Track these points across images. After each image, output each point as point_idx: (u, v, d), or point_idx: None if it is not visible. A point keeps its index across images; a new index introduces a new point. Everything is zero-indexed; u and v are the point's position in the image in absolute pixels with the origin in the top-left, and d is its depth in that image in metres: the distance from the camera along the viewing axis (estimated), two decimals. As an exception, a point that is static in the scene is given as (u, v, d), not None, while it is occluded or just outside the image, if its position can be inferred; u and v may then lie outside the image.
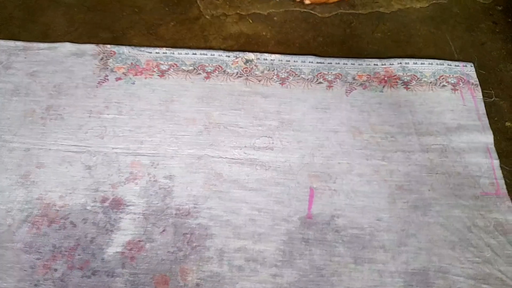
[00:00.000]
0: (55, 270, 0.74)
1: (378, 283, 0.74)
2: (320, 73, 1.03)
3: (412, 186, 0.86)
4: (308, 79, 1.02)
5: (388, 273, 0.75)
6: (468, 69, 1.06)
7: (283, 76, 1.02)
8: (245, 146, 0.90)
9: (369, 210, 0.82)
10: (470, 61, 1.09)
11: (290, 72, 1.03)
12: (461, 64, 1.07)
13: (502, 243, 0.79)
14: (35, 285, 0.73)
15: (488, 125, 0.96)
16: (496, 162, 0.91)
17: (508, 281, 0.75)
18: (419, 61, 1.07)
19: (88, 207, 0.81)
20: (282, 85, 1.01)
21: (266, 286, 0.74)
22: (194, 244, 0.78)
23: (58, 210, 0.81)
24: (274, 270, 0.75)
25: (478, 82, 1.04)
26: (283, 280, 0.74)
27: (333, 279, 0.75)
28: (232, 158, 0.88)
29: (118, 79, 1.00)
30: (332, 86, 1.01)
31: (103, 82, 1.00)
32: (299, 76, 1.02)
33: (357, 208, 0.83)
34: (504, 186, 0.88)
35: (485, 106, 1.01)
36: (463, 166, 0.89)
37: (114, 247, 0.77)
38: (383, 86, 1.02)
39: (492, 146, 0.93)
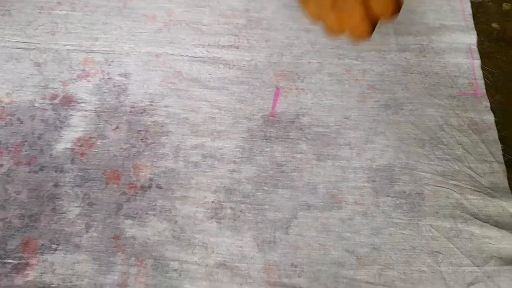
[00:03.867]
0: (1, 165, 0.70)
1: (340, 178, 0.71)
2: (294, -30, 0.94)
3: (385, 85, 0.81)
4: (280, -24, 0.93)
5: (352, 169, 0.72)
6: (457, -32, 0.97)
7: (253, -27, 0.93)
8: (208, 44, 0.84)
9: (336, 109, 0.77)
10: (460, -41, 0.98)
11: (262, -32, 0.93)
12: (449, -39, 0.97)
13: (475, 141, 0.75)
14: (-20, 179, 0.69)
15: (473, 26, 0.89)
16: (477, 63, 0.85)
17: (477, 177, 0.72)
18: (404, -43, 0.97)
19: (37, 104, 0.76)
20: (251, -18, 0.92)
21: (223, 181, 0.70)
22: (149, 141, 0.73)
23: (4, 107, 0.75)
24: (232, 166, 0.71)
25: (466, -19, 0.95)
26: (241, 176, 0.71)
27: (294, 174, 0.71)
28: (194, 56, 0.82)
29: (72, -25, 0.91)
30: (306, -17, 0.92)
31: (55, -22, 0.90)
32: (271, -27, 0.93)
33: (324, 106, 0.78)
34: (484, 87, 0.83)
35: (472, 7, 0.93)
36: (441, 66, 0.83)
37: (63, 143, 0.73)
38: (362, -16, 0.93)
39: (475, 47, 0.87)
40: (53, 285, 0.62)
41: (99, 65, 0.81)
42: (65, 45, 0.83)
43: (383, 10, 0.59)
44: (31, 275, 0.62)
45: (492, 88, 0.84)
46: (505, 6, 0.95)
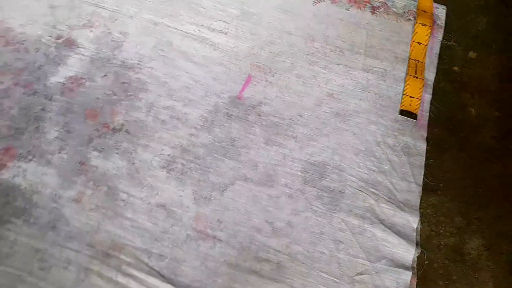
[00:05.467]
0: (2, 82, 0.83)
1: (279, 163, 0.83)
2: (296, -22, 1.05)
3: (342, 96, 0.93)
4: (282, -20, 1.05)
5: (291, 158, 0.84)
6: (440, 11, 1.08)
7: (259, -28, 1.04)
8: (202, 25, 0.96)
9: (294, 106, 0.90)
10: (444, 4, 1.10)
11: (268, -30, 1.05)
12: (434, 4, 1.08)
13: (403, 162, 0.87)
14: (-18, 90, 0.82)
15: (435, 64, 1.01)
16: (428, 97, 0.96)
17: (394, 192, 0.85)
18: (394, -10, 1.08)
19: (43, 40, 0.88)
20: (255, -20, 1.04)
21: (181, 141, 0.83)
22: (129, 93, 0.86)
23: (16, 35, 0.88)
24: (192, 130, 0.84)
25: (444, 25, 1.07)
26: (198, 140, 0.83)
27: (242, 150, 0.84)
28: (186, 32, 0.94)
29: None
30: (302, -7, 1.04)
31: None
32: (274, -25, 1.05)
33: (285, 101, 0.90)
34: (427, 119, 0.94)
35: (441, 47, 1.04)
36: (396, 93, 0.95)
37: (58, 77, 0.85)
38: (351, 6, 1.05)
39: (431, 83, 0.98)
40: (21, 187, 0.75)
41: (104, 20, 0.93)
42: (79, -4, 0.95)
43: None
44: (5, 174, 0.76)
45: (434, 121, 0.96)
46: (471, 54, 1.06)
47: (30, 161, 0.77)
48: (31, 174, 0.76)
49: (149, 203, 0.77)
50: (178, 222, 0.76)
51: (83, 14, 0.92)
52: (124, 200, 0.76)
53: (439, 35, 1.06)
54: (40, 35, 0.88)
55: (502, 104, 0.99)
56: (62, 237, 0.73)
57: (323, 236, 0.78)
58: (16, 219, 0.73)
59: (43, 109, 0.82)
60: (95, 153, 0.79)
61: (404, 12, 1.07)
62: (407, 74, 0.97)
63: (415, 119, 0.91)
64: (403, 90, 0.95)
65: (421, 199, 0.87)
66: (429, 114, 0.96)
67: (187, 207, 0.77)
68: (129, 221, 0.75)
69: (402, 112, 0.92)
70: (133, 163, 0.79)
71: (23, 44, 0.87)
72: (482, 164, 0.93)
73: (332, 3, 1.05)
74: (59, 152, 0.78)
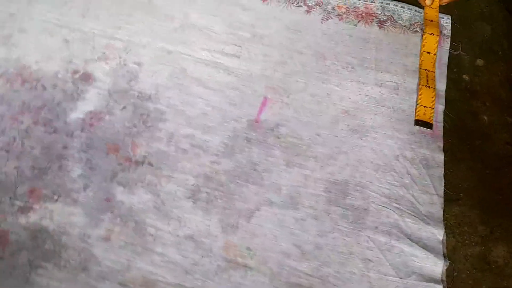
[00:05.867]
0: (22, 122, 0.84)
1: (302, 184, 0.84)
2: (302, -3, 1.07)
3: (357, 113, 0.94)
4: (289, 0, 1.06)
5: (313, 179, 0.85)
6: (445, 21, 1.10)
7: (266, -7, 1.06)
8: (214, 50, 0.97)
9: (311, 126, 0.91)
10: (449, 14, 1.12)
11: (274, -9, 1.06)
12: (439, 14, 1.10)
13: (422, 174, 0.88)
14: (2, 131, 0.82)
15: (445, 74, 1.02)
16: (441, 107, 0.97)
17: (417, 205, 0.85)
18: (399, 4, 1.10)
19: (60, 75, 0.89)
20: (263, 1, 1.05)
21: (204, 169, 0.84)
22: (149, 124, 0.87)
23: (32, 72, 0.88)
24: (214, 157, 0.85)
25: (450, 35, 1.08)
26: (220, 167, 0.84)
27: (264, 174, 0.84)
28: (200, 58, 0.95)
29: (107, -34, 1.03)
30: (310, 11, 1.05)
31: (92, -33, 1.03)
32: (281, -4, 1.06)
33: (301, 122, 0.91)
34: (442, 129, 0.95)
35: (449, 57, 1.06)
36: (409, 105, 0.96)
37: (77, 113, 0.86)
38: (358, 21, 1.06)
39: (443, 93, 0.99)
40: (49, 229, 0.75)
41: (118, 51, 0.94)
42: (92, 28, 0.96)
43: None
44: (32, 217, 0.76)
45: (449, 131, 0.97)
46: (478, 61, 1.08)
47: (56, 201, 0.78)
48: (58, 215, 0.76)
49: (177, 235, 0.77)
50: (208, 252, 0.76)
51: (97, 46, 0.93)
52: (152, 235, 0.76)
53: (446, 44, 1.07)
54: (56, 71, 0.89)
55: (514, 110, 1.00)
56: (94, 278, 0.73)
57: (352, 256, 0.79)
58: (47, 263, 0.73)
59: (64, 147, 0.82)
60: (120, 188, 0.80)
61: (411, 24, 1.08)
62: (419, 84, 0.98)
63: (431, 128, 0.93)
64: (417, 100, 0.96)
65: (444, 211, 0.87)
66: (444, 124, 0.97)
67: (215, 236, 0.78)
68: (159, 256, 0.75)
69: (418, 122, 0.93)
70: (159, 196, 0.80)
71: (40, 81, 0.88)
72: (498, 172, 0.94)
73: (340, 19, 1.06)
74: (84, 190, 0.79)
